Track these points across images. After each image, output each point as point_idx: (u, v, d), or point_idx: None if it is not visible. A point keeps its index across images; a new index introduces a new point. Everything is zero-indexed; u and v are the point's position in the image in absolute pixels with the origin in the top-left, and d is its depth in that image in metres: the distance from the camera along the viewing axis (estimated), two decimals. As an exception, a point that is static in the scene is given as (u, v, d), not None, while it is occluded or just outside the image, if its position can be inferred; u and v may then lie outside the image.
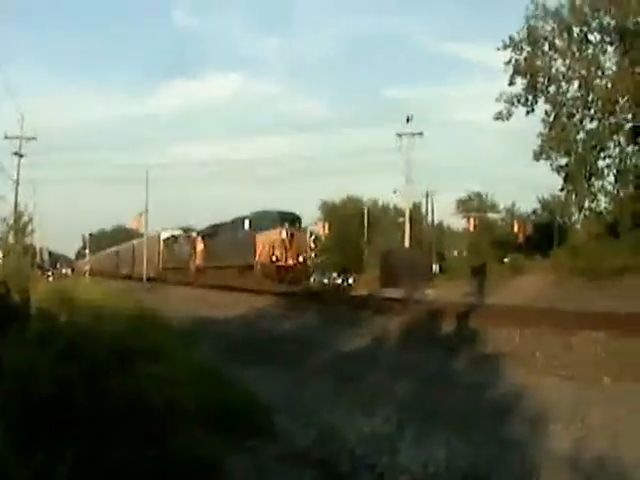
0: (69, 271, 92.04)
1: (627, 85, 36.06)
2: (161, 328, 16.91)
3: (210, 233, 52.52)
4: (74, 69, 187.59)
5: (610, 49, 39.06)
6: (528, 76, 39.60)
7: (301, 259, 39.45)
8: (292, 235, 39.08)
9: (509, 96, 39.93)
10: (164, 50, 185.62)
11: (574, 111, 39.46)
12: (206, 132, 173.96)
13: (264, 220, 40.56)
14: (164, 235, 69.34)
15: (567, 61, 39.47)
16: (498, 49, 39.87)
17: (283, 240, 38.73)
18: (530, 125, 40.59)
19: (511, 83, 39.97)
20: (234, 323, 23.77)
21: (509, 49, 39.76)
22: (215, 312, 26.27)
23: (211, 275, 48.91)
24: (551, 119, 39.67)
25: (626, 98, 36.68)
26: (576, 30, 39.05)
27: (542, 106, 40.11)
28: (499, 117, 40.35)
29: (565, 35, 39.32)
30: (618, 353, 13.72)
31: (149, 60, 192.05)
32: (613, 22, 37.72)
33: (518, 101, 40.05)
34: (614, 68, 38.40)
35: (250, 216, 42.68)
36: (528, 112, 40.25)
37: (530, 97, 40.06)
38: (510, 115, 40.15)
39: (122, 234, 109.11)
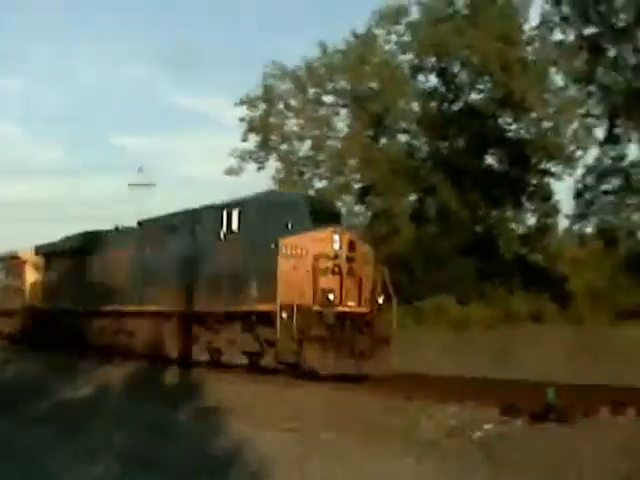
0: None
1: (357, 147, 37.25)
2: None
3: (65, 249, 29.48)
4: None
5: (343, 111, 40.31)
6: (261, 133, 39.87)
7: (380, 300, 18.65)
8: (352, 245, 18.34)
9: (242, 152, 39.94)
10: None
11: (304, 169, 40.15)
12: None
13: (274, 209, 19.14)
14: None
15: (301, 121, 40.19)
16: (235, 105, 39.96)
17: (336, 255, 17.98)
18: (261, 181, 40.57)
19: (244, 139, 40.06)
20: None
21: (245, 105, 39.96)
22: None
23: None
24: (282, 176, 40.09)
25: (356, 159, 37.81)
26: (311, 91, 39.93)
27: (274, 163, 40.48)
28: (230, 172, 40.26)
29: (300, 95, 40.10)
30: (340, 408, 13.59)
31: None
32: (347, 85, 38.95)
33: (250, 157, 40.17)
34: (346, 129, 39.58)
35: (243, 200, 19.74)
36: (259, 168, 40.33)
37: (262, 154, 40.30)
38: (242, 170, 40.16)
39: None
